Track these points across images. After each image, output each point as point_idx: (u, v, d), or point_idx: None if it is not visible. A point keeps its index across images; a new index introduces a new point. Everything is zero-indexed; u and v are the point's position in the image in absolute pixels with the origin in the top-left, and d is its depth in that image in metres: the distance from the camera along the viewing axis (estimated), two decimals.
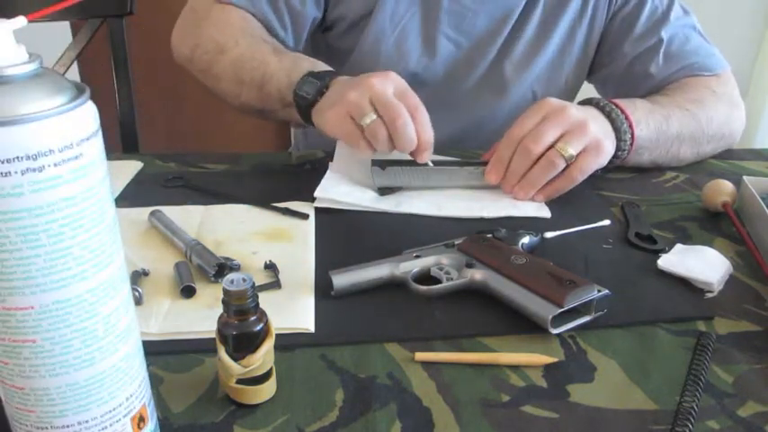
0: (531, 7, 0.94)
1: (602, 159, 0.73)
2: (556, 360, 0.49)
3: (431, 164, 0.73)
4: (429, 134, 0.70)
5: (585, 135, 0.70)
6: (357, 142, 0.70)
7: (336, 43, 0.97)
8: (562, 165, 0.71)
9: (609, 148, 0.73)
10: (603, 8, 0.96)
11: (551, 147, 0.70)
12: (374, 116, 0.68)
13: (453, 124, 0.99)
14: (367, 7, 0.91)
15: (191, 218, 0.68)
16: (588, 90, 1.03)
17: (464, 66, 0.96)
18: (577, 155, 0.71)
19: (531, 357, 0.49)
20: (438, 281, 0.57)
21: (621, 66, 0.96)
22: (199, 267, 0.58)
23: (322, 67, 0.78)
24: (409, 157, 0.73)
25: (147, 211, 0.67)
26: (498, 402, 0.45)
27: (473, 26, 0.93)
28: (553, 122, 0.70)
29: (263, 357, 0.42)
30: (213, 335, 0.43)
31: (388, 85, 0.69)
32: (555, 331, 0.51)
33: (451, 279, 0.56)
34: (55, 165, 0.29)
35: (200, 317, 0.52)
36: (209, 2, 0.88)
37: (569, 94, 1.02)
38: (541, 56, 0.97)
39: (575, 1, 0.95)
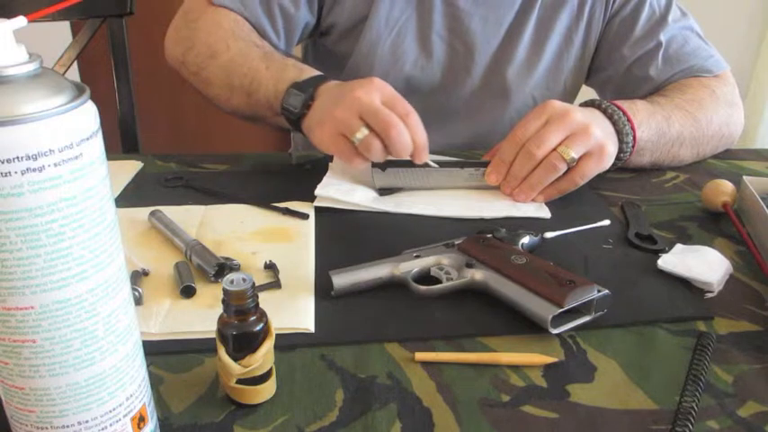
0: (526, 12, 0.94)
1: (605, 164, 0.73)
2: (556, 360, 0.49)
3: (431, 163, 0.73)
4: (423, 136, 0.69)
5: (589, 139, 0.70)
6: (352, 159, 0.69)
7: (334, 48, 0.97)
8: (563, 168, 0.71)
9: (611, 151, 0.73)
10: (600, 12, 0.95)
11: (553, 150, 0.70)
12: (366, 131, 0.67)
13: (456, 132, 0.99)
14: (360, 14, 0.91)
15: (191, 218, 0.68)
16: (587, 93, 1.03)
17: (461, 70, 0.96)
18: (579, 159, 0.71)
19: (531, 357, 0.49)
20: (438, 281, 0.56)
21: (620, 69, 0.96)
22: (199, 267, 0.58)
23: (308, 73, 0.77)
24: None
25: (147, 211, 0.67)
26: (498, 402, 0.45)
27: (467, 29, 0.93)
28: (556, 126, 0.70)
29: (263, 357, 0.42)
30: (213, 335, 0.43)
31: (375, 95, 0.68)
32: (555, 331, 0.51)
33: (451, 279, 0.56)
34: (55, 165, 0.29)
35: (200, 317, 0.52)
36: (203, 4, 0.87)
37: (568, 97, 1.02)
38: (540, 61, 0.97)
39: (570, 5, 0.95)
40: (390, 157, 0.72)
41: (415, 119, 0.68)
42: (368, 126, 0.67)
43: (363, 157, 0.69)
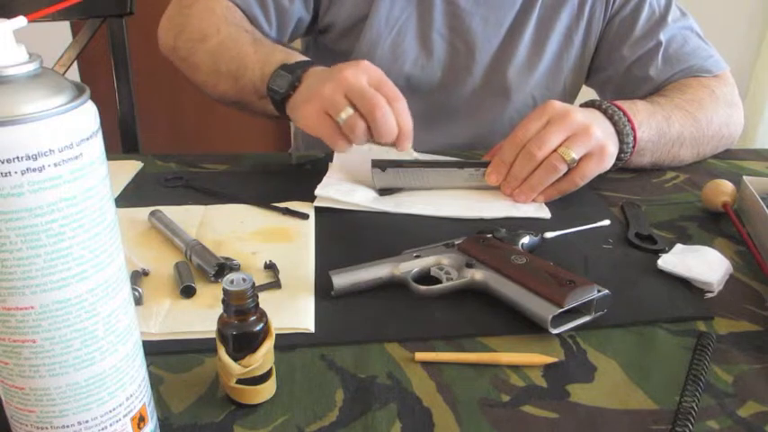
0: (526, 12, 0.94)
1: (605, 164, 0.73)
2: (556, 360, 0.49)
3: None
4: (408, 122, 0.68)
5: (589, 140, 0.70)
6: (335, 140, 0.69)
7: (335, 46, 0.97)
8: (564, 169, 0.71)
9: (612, 152, 0.73)
10: (600, 12, 0.96)
11: (554, 150, 0.70)
12: (351, 111, 0.66)
13: (457, 132, 0.99)
14: (360, 13, 0.91)
15: (191, 218, 0.68)
16: (587, 93, 1.03)
17: (462, 69, 0.96)
18: (580, 159, 0.71)
19: (531, 357, 0.49)
20: (438, 281, 0.56)
21: (620, 69, 0.97)
22: (199, 267, 0.58)
23: (296, 58, 0.77)
24: (409, 158, 0.73)
25: (147, 211, 0.67)
26: (498, 402, 0.45)
27: (467, 28, 0.93)
28: (557, 126, 0.70)
29: (263, 357, 0.42)
30: (213, 335, 0.43)
31: (362, 76, 0.68)
32: (555, 331, 0.51)
33: (451, 279, 0.56)
34: (55, 165, 0.29)
35: (200, 317, 0.52)
36: None
37: (568, 97, 1.02)
38: (540, 61, 0.97)
39: (570, 5, 0.95)
40: (383, 152, 0.71)
41: (402, 104, 0.68)
42: (354, 107, 0.67)
43: (347, 139, 0.69)
